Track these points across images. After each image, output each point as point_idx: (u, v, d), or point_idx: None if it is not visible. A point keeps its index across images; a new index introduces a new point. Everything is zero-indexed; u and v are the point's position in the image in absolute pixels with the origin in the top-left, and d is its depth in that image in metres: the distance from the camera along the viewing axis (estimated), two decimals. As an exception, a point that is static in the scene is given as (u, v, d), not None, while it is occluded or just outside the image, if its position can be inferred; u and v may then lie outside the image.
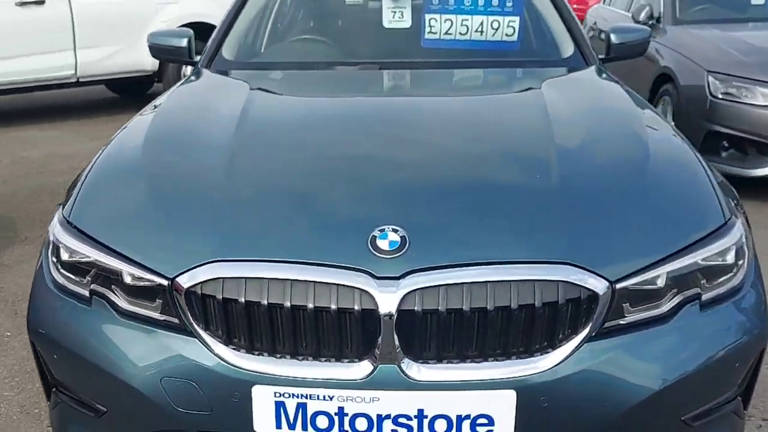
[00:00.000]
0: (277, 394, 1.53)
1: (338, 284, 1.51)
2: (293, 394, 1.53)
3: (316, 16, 3.36)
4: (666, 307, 1.63)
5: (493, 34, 3.04)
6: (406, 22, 3.25)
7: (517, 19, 2.98)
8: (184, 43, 2.91)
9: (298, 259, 1.55)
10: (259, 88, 2.47)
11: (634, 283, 1.59)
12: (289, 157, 1.97)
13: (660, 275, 1.62)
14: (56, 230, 1.79)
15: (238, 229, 1.66)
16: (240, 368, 1.54)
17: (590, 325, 1.55)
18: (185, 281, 1.55)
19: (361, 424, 1.53)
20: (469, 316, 1.50)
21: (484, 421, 1.53)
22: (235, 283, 1.53)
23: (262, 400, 1.54)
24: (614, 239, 1.65)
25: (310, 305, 1.50)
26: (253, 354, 1.55)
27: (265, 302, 1.51)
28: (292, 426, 1.55)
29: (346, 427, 1.54)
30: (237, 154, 1.93)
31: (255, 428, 1.56)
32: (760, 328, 1.74)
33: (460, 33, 3.07)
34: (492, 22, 3.07)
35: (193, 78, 2.79)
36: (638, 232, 1.68)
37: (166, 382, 1.57)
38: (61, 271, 1.74)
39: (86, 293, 1.68)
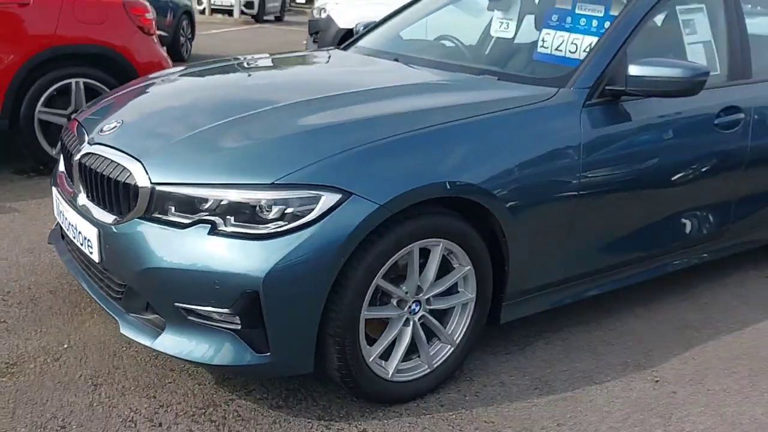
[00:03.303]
0: (54, 197, 2.73)
1: (79, 141, 2.60)
2: (56, 197, 2.71)
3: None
4: (187, 219, 2.16)
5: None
6: (510, 33, 3.56)
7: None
8: None
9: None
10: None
11: (175, 192, 2.18)
12: (176, 88, 3.05)
13: (206, 197, 2.15)
14: None
15: (95, 113, 2.85)
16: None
17: (137, 206, 2.24)
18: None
19: (68, 226, 2.60)
20: (97, 176, 2.40)
21: (88, 242, 2.41)
22: (67, 131, 2.78)
23: (54, 198, 2.75)
24: (206, 160, 2.26)
25: (65, 143, 2.65)
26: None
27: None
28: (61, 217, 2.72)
29: (68, 226, 2.62)
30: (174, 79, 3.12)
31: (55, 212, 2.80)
32: (252, 272, 2.06)
33: (570, 51, 3.27)
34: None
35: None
36: (217, 164, 2.23)
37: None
38: None
39: None
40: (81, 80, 4.60)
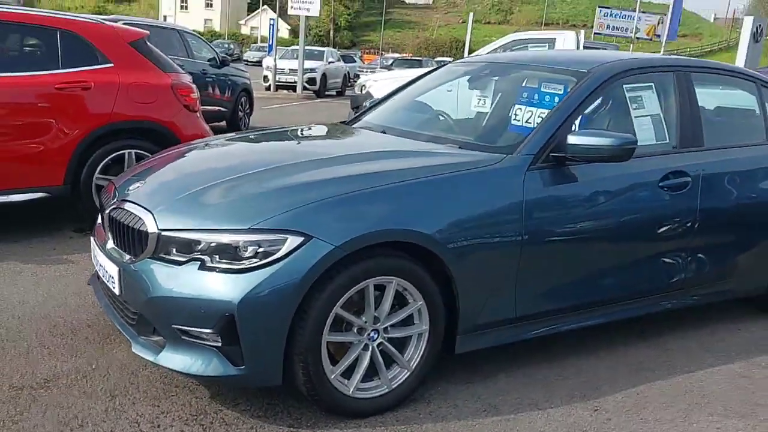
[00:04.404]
0: (92, 245, 3.34)
1: (112, 198, 3.22)
2: (92, 245, 3.31)
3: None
4: (184, 258, 2.71)
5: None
6: (487, 108, 4.09)
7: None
8: None
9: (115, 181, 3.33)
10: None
11: (176, 236, 2.74)
12: (204, 156, 3.63)
13: (199, 240, 2.71)
14: None
15: (130, 177, 3.47)
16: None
17: (147, 248, 2.81)
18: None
19: (99, 267, 3.19)
20: (121, 225, 2.99)
21: (112, 279, 2.99)
22: (105, 192, 3.41)
23: (92, 246, 3.36)
24: (201, 212, 2.81)
25: (102, 201, 3.28)
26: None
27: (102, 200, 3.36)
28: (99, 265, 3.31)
29: (99, 267, 3.21)
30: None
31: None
32: (230, 298, 2.58)
33: (536, 123, 3.78)
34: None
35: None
36: (209, 214, 2.79)
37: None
38: None
39: None
40: (133, 151, 5.33)
